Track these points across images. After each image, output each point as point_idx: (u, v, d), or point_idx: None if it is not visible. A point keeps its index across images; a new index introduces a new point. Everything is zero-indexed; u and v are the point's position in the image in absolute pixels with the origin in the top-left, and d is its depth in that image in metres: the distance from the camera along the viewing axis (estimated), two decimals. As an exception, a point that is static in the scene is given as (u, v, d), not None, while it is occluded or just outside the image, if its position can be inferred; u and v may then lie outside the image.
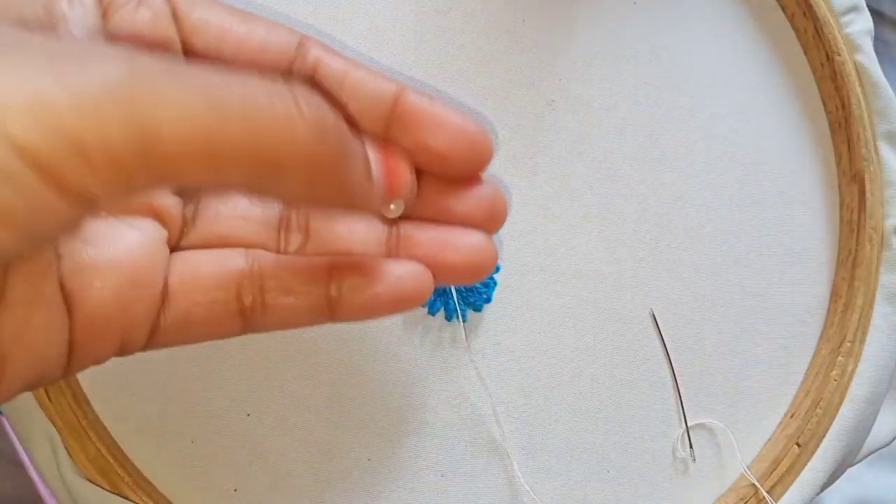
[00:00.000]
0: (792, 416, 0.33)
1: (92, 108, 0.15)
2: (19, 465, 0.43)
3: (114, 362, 0.30)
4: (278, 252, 0.25)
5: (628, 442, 0.33)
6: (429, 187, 0.25)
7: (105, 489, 0.30)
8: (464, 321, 0.32)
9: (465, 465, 0.32)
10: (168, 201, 0.23)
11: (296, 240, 0.25)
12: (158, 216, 0.24)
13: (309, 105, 0.18)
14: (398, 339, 0.32)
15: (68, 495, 0.30)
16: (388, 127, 0.24)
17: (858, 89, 0.33)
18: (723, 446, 0.33)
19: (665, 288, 0.33)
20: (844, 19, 0.33)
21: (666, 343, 0.33)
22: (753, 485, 0.32)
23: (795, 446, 0.33)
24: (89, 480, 0.30)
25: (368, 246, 0.25)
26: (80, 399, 0.30)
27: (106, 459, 0.30)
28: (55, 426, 0.30)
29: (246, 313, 0.24)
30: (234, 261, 0.24)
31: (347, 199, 0.21)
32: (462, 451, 0.32)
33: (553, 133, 0.33)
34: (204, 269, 0.24)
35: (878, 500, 0.49)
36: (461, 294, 0.31)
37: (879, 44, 0.35)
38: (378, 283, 0.24)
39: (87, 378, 0.31)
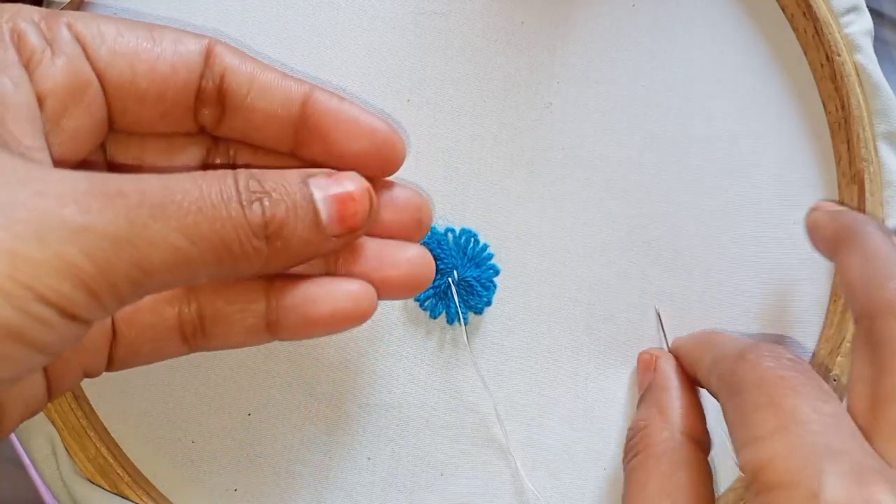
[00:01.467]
0: (791, 417, 0.33)
1: (102, 259, 0.18)
2: (19, 464, 0.43)
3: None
4: None
5: (625, 441, 0.33)
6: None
7: (105, 489, 0.30)
8: (465, 324, 0.32)
9: (465, 465, 0.32)
10: None
11: None
12: None
13: (276, 212, 0.21)
14: (399, 339, 0.32)
15: (68, 495, 0.30)
16: (297, 131, 0.25)
17: (858, 90, 0.33)
18: (721, 446, 0.33)
19: (662, 290, 0.33)
20: (844, 20, 0.33)
21: (660, 344, 0.33)
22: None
23: (795, 446, 0.33)
24: (89, 480, 0.30)
25: (308, 265, 0.25)
26: (80, 399, 0.30)
27: (105, 459, 0.30)
28: (55, 426, 0.30)
29: (188, 339, 0.25)
30: (172, 292, 0.25)
31: (299, 260, 0.22)
32: (462, 450, 0.32)
33: (551, 135, 0.33)
34: (144, 302, 0.24)
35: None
36: (462, 297, 0.31)
37: (879, 44, 0.35)
38: (315, 302, 0.24)
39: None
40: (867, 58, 0.33)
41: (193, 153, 0.26)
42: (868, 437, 0.22)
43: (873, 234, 0.26)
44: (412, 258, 0.25)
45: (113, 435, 0.31)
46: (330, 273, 0.25)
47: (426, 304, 0.32)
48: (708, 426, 0.28)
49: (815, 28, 0.33)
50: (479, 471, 0.32)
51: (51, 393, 0.23)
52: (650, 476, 0.26)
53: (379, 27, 0.32)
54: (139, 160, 0.25)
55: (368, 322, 0.32)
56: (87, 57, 0.22)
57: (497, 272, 0.32)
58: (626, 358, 0.33)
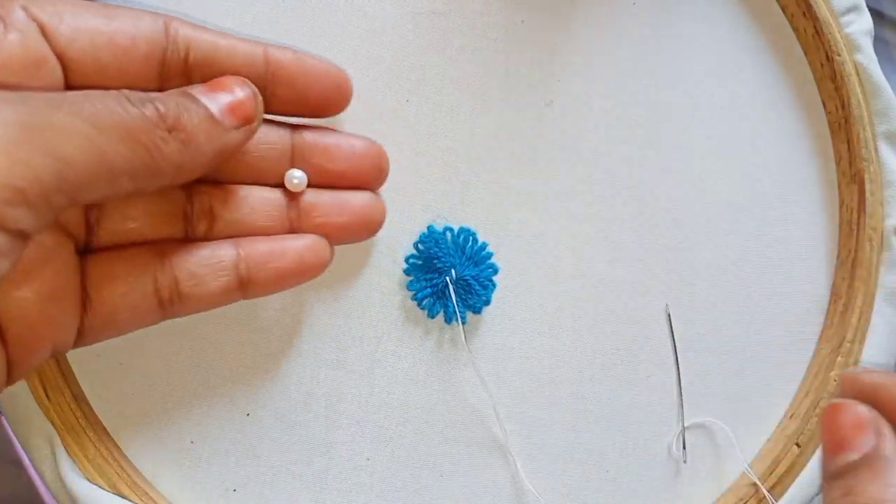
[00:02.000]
0: (792, 417, 0.33)
1: (16, 153, 0.19)
2: (20, 465, 0.43)
3: (113, 362, 0.31)
4: (186, 239, 0.27)
5: (627, 442, 0.33)
6: (319, 156, 0.28)
7: (104, 489, 0.30)
8: (463, 323, 0.32)
9: (464, 466, 0.32)
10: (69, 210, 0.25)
11: (201, 226, 0.27)
12: (62, 227, 0.25)
13: (168, 109, 0.23)
14: (398, 339, 0.32)
15: (67, 495, 0.30)
16: (263, 87, 0.27)
17: (858, 89, 0.33)
18: (722, 446, 0.33)
19: (663, 288, 0.33)
20: (844, 19, 0.33)
21: (661, 343, 0.33)
22: (753, 485, 0.32)
23: (795, 446, 0.33)
24: (88, 480, 0.30)
25: (271, 222, 0.28)
26: (79, 399, 0.30)
27: (105, 459, 0.30)
28: (54, 426, 0.30)
29: (165, 305, 0.26)
30: (144, 258, 0.26)
31: (213, 154, 0.24)
32: (461, 451, 0.32)
33: (551, 134, 0.33)
34: (118, 270, 0.26)
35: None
36: (461, 296, 0.31)
37: (879, 44, 0.35)
38: (280, 258, 0.27)
39: (86, 378, 0.31)
40: (867, 58, 0.33)
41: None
42: None
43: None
44: (362, 202, 0.29)
45: (112, 434, 0.31)
46: (294, 228, 0.28)
47: (424, 303, 0.32)
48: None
49: (816, 28, 0.33)
50: (478, 472, 0.32)
51: (12, 373, 0.23)
52: None
53: (378, 27, 0.32)
54: None
55: (367, 321, 0.32)
56: (46, 35, 0.23)
57: (496, 271, 0.32)
58: (628, 358, 0.33)
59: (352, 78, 0.28)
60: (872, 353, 0.33)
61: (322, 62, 0.28)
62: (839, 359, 0.33)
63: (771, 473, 0.32)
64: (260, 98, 0.26)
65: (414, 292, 0.32)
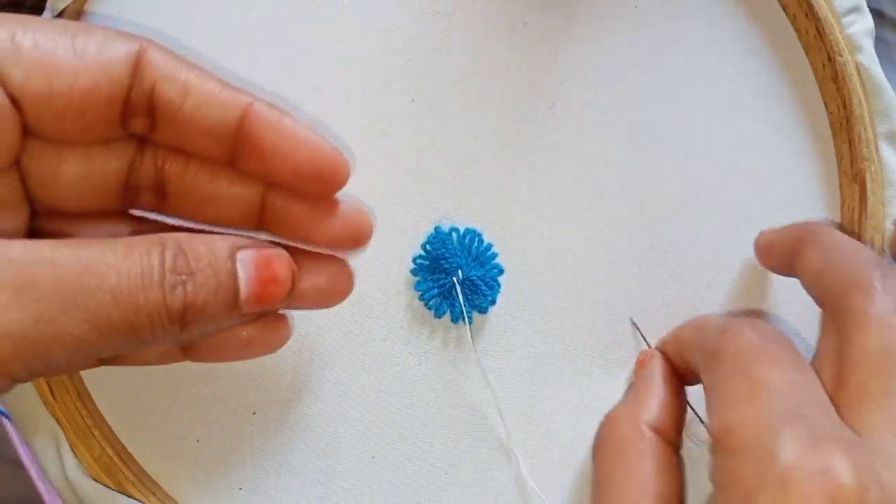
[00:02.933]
0: (793, 415, 0.33)
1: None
2: (20, 465, 0.43)
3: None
4: None
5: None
6: (291, 210, 0.24)
7: (110, 488, 0.30)
8: (469, 323, 0.32)
9: (468, 464, 0.32)
10: None
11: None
12: None
13: (196, 293, 0.21)
14: (404, 338, 0.32)
15: (73, 494, 0.30)
16: (235, 145, 0.23)
17: (860, 90, 0.33)
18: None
19: (665, 288, 0.33)
20: (846, 20, 0.33)
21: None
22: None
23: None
24: (94, 479, 0.30)
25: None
26: (85, 397, 0.30)
27: (111, 458, 0.30)
28: (59, 425, 0.30)
29: (106, 361, 0.24)
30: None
31: (204, 335, 0.23)
32: (466, 449, 0.32)
33: (554, 135, 0.33)
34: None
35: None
36: (467, 296, 0.32)
37: (880, 44, 0.35)
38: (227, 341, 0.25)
39: (91, 377, 0.31)
40: (869, 58, 0.33)
41: (118, 160, 0.24)
42: (835, 406, 0.22)
43: (828, 230, 0.27)
44: (331, 273, 0.25)
45: (118, 434, 0.31)
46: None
47: (431, 303, 0.32)
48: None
49: (817, 28, 0.34)
50: (482, 470, 0.32)
51: None
52: (616, 467, 0.26)
53: (381, 28, 0.32)
54: (54, 170, 0.23)
55: (374, 320, 0.32)
56: (1, 76, 0.21)
57: (501, 271, 0.32)
58: (631, 357, 0.33)
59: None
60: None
61: (310, 135, 0.23)
62: (840, 357, 0.33)
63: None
64: (297, 284, 0.24)
65: (421, 292, 0.32)
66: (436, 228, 0.32)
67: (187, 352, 0.25)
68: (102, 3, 0.31)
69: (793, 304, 0.34)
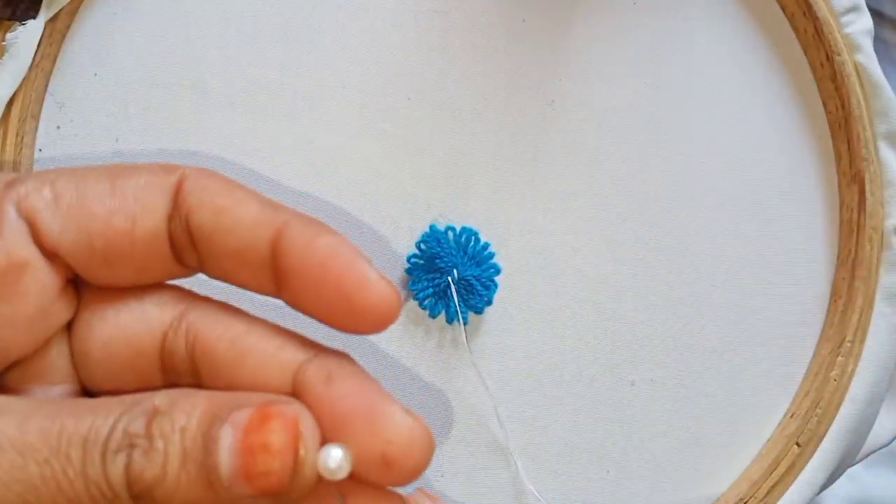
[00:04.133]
0: (792, 416, 0.33)
1: None
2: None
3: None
4: None
5: (628, 442, 0.33)
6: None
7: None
8: (464, 323, 0.32)
9: (464, 466, 0.32)
10: None
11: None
12: None
13: (147, 465, 0.17)
14: (398, 339, 0.32)
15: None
16: (276, 275, 0.20)
17: (858, 89, 0.33)
18: (721, 447, 0.33)
19: (664, 287, 0.33)
20: (844, 19, 0.33)
21: (663, 343, 0.33)
22: (754, 484, 0.32)
23: (795, 446, 0.33)
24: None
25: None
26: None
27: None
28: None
29: None
30: None
31: None
32: (462, 451, 0.32)
33: (553, 133, 0.33)
34: None
35: (878, 500, 0.49)
36: (462, 296, 0.31)
37: (879, 44, 0.35)
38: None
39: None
40: (867, 57, 0.33)
41: (158, 320, 0.21)
42: None
43: None
44: None
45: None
46: None
47: (426, 303, 0.31)
48: None
49: (816, 28, 0.33)
50: (479, 472, 0.32)
51: None
52: None
53: (379, 25, 0.32)
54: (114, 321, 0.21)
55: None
56: (38, 232, 0.20)
57: (498, 271, 0.32)
58: (629, 358, 0.33)
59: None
60: (872, 352, 0.33)
61: (361, 268, 0.19)
62: (839, 358, 0.33)
63: (771, 473, 0.32)
64: (305, 462, 0.17)
65: (415, 292, 0.32)
66: (431, 227, 0.32)
67: None
68: (101, 3, 0.31)
69: (794, 304, 0.34)
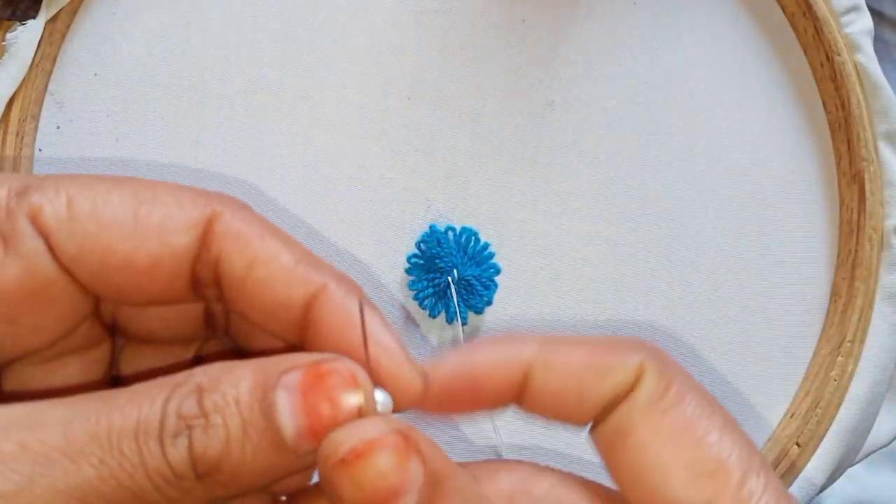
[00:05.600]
0: (792, 416, 0.33)
1: None
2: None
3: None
4: None
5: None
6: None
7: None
8: (463, 324, 0.31)
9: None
10: None
11: None
12: None
13: (208, 444, 0.17)
14: (398, 339, 0.32)
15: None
16: (303, 330, 0.20)
17: (858, 89, 0.33)
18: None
19: (665, 288, 0.33)
20: (844, 19, 0.33)
21: (663, 343, 0.33)
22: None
23: (795, 446, 0.33)
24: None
25: None
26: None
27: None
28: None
29: None
30: None
31: (259, 486, 0.18)
32: (461, 452, 0.32)
33: (553, 133, 0.33)
34: None
35: (878, 500, 0.49)
36: (462, 296, 0.31)
37: (879, 44, 0.35)
38: None
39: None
40: (867, 57, 0.33)
41: (195, 316, 0.22)
42: None
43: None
44: None
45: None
46: None
47: (425, 303, 0.31)
48: None
49: (816, 27, 0.33)
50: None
51: None
52: None
53: (379, 25, 0.32)
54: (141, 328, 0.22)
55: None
56: (51, 250, 0.19)
57: (498, 271, 0.32)
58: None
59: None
60: (872, 352, 0.33)
61: (396, 359, 0.20)
62: (839, 359, 0.33)
63: (771, 473, 0.32)
64: (372, 407, 0.18)
65: (415, 292, 0.32)
66: (431, 227, 0.32)
67: None
68: (101, 3, 0.31)
69: (794, 304, 0.34)
